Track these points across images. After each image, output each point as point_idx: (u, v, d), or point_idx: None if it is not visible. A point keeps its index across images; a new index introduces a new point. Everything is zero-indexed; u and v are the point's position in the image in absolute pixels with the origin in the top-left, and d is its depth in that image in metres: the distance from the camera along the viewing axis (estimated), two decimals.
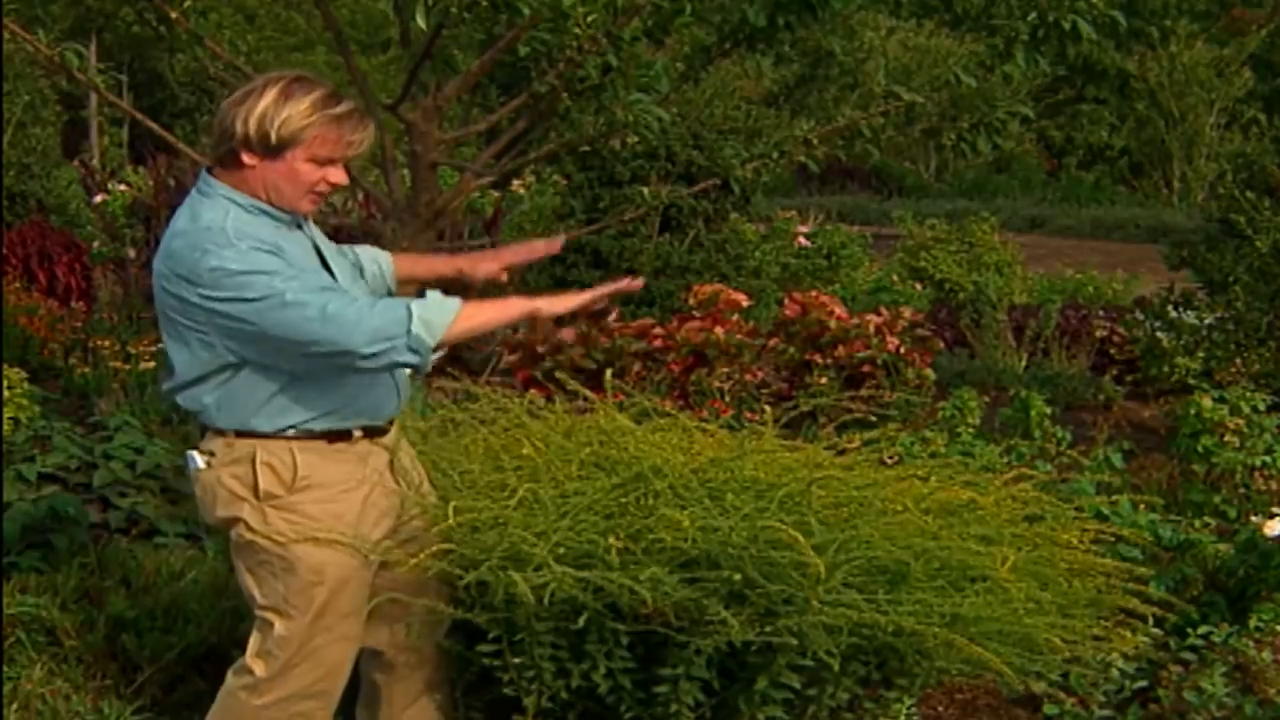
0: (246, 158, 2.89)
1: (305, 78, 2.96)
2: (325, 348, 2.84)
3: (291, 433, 2.97)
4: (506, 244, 4.29)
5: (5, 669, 3.79)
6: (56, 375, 7.83)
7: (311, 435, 2.98)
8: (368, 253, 3.33)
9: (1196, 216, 19.46)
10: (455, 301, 2.89)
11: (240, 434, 2.97)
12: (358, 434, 3.04)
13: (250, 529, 2.99)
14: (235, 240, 2.84)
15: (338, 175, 2.95)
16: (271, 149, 2.87)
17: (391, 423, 3.13)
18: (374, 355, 2.84)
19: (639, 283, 3.24)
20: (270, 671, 3.03)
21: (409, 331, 2.83)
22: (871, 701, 3.34)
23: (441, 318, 2.86)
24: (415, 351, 2.85)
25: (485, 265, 3.37)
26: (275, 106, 2.86)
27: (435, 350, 2.89)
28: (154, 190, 11.05)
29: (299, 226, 3.02)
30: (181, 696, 3.84)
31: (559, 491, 3.09)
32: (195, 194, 2.96)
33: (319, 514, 2.98)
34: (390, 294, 3.29)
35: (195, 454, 3.03)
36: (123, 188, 14.91)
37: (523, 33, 5.03)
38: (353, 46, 5.80)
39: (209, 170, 2.97)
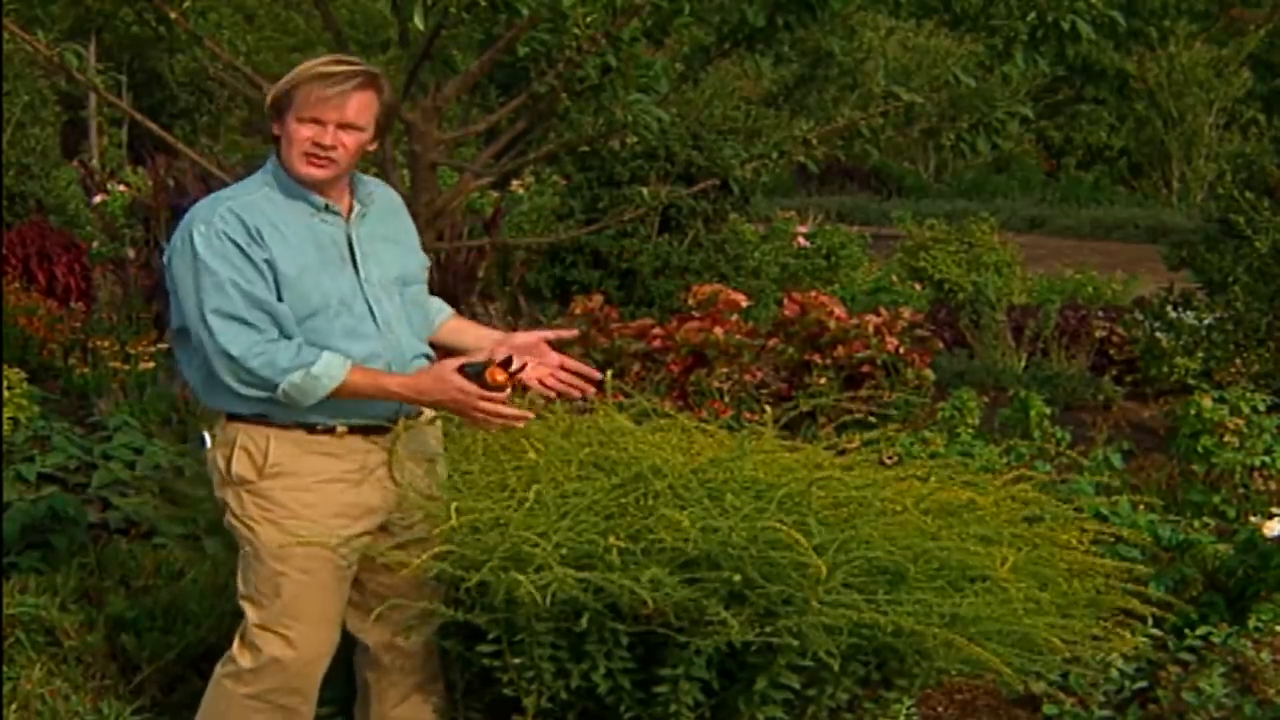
0: (275, 128, 3.03)
1: (331, 55, 3.11)
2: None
3: (278, 420, 3.01)
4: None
5: (5, 669, 3.79)
6: (56, 375, 7.82)
7: (294, 425, 3.02)
8: (434, 302, 3.36)
9: (1196, 217, 19.45)
10: (338, 374, 2.94)
11: (230, 417, 3.04)
12: (342, 429, 3.05)
13: (230, 512, 3.06)
14: (218, 221, 2.93)
15: (321, 135, 2.97)
16: (276, 111, 3.01)
17: (394, 421, 3.12)
18: (245, 395, 2.96)
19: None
20: (254, 663, 3.05)
21: (279, 391, 2.93)
22: (871, 701, 3.34)
23: (312, 396, 2.94)
24: (286, 406, 2.97)
25: (520, 339, 3.30)
26: (287, 74, 3.03)
27: None
28: (153, 190, 11.03)
29: (335, 213, 3.06)
30: (181, 696, 3.83)
31: (559, 492, 3.09)
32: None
33: (288, 501, 3.01)
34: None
35: (206, 433, 3.13)
36: (122, 188, 14.90)
37: (522, 33, 5.02)
38: (353, 46, 5.79)
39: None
